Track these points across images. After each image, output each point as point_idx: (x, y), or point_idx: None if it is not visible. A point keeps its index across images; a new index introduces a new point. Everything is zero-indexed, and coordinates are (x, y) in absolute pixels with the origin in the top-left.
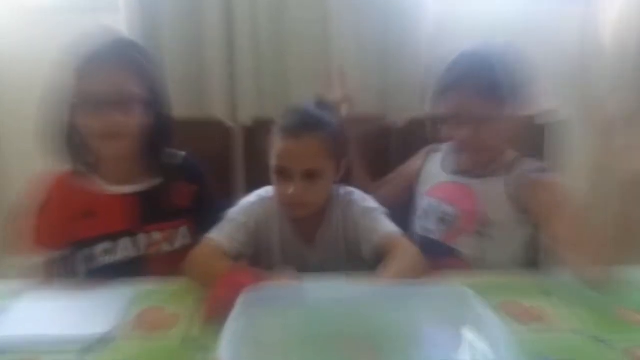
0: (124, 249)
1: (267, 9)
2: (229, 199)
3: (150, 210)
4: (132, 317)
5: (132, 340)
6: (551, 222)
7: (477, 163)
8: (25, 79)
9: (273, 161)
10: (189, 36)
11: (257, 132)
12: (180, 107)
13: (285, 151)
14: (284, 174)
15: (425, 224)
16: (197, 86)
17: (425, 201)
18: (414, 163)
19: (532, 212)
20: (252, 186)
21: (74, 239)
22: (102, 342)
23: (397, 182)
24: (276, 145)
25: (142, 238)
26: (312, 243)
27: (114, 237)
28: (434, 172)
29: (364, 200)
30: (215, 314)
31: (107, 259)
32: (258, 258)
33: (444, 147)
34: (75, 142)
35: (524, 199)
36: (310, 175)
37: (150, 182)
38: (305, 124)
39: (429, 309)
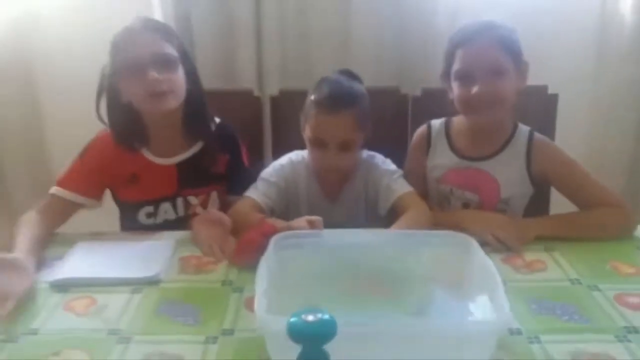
0: (164, 213)
1: None
2: (260, 162)
3: (188, 177)
4: (176, 263)
5: (177, 283)
6: (574, 186)
7: (492, 138)
8: (65, 61)
9: (309, 132)
10: (219, 16)
11: (284, 101)
12: (210, 81)
13: (322, 125)
14: (320, 144)
15: (447, 209)
16: (227, 62)
17: (443, 188)
18: (416, 157)
19: (551, 180)
20: (279, 149)
21: (120, 199)
22: (150, 283)
23: (419, 183)
24: (312, 118)
25: (180, 202)
26: (336, 201)
27: (155, 202)
28: (444, 156)
29: (384, 163)
30: (244, 255)
31: (149, 222)
32: (287, 214)
33: (443, 128)
34: (125, 115)
35: (543, 170)
36: (345, 145)
37: (189, 151)
38: (341, 100)
39: (435, 253)
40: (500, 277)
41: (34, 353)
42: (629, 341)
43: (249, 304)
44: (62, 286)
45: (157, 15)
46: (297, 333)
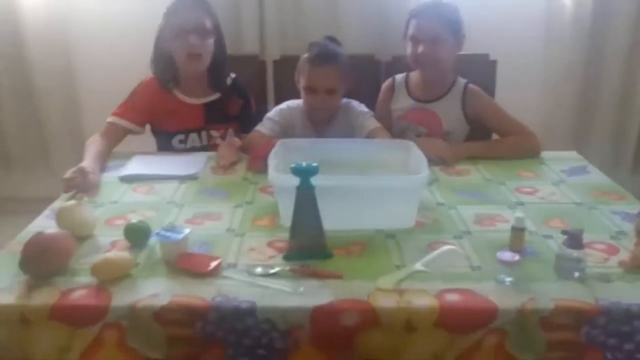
0: (192, 141)
1: None
2: (264, 110)
3: (212, 116)
4: (208, 168)
5: (211, 178)
6: (496, 121)
7: (437, 87)
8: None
9: (303, 82)
10: None
11: (284, 64)
12: None
13: (313, 75)
14: (311, 91)
15: (404, 138)
16: (234, 31)
17: (402, 123)
18: (384, 102)
19: (480, 118)
20: (280, 102)
21: (159, 129)
22: (192, 178)
23: (385, 120)
24: (306, 71)
25: (204, 134)
26: (322, 135)
27: (186, 132)
28: (403, 100)
29: (359, 106)
30: (256, 163)
31: (181, 147)
32: None
33: (403, 80)
34: (167, 64)
35: (474, 110)
36: (330, 91)
37: (213, 96)
38: (327, 57)
39: (387, 153)
40: (426, 164)
41: (118, 211)
42: (516, 209)
43: (262, 190)
44: (128, 180)
45: None
46: (296, 169)
